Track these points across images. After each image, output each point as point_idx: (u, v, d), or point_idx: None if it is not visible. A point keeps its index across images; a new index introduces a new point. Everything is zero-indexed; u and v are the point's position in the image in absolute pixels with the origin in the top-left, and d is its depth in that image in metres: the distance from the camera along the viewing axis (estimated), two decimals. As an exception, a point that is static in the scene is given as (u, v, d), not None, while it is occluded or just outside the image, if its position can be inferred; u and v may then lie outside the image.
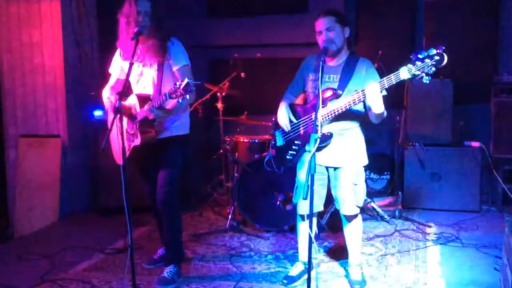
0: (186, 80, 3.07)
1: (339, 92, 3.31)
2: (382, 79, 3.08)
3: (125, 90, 3.29)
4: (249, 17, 6.39)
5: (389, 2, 6.08)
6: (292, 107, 3.61)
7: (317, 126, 2.96)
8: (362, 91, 3.13)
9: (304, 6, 6.17)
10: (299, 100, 3.74)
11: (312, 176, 2.84)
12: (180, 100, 3.13)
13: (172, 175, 3.62)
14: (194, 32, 6.42)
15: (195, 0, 6.56)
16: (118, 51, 3.73)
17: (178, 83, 3.09)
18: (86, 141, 5.64)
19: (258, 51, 5.76)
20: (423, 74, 2.92)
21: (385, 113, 3.25)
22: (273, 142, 3.73)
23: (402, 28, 6.05)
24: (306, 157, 3.45)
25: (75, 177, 5.57)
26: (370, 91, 3.10)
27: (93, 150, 5.59)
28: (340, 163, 3.47)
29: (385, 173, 6.07)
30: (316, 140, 2.88)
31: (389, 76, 3.03)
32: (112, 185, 5.14)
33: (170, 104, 3.39)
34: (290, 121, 3.55)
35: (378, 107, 3.14)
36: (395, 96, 4.87)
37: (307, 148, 3.38)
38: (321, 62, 3.08)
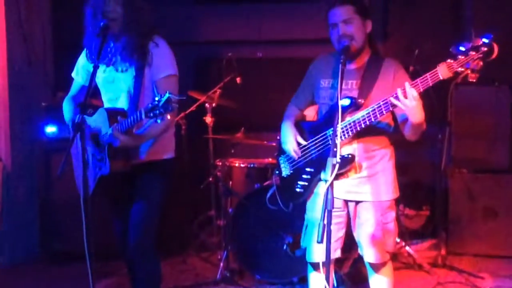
0: (167, 94, 3.07)
1: (360, 101, 3.34)
2: (415, 81, 3.11)
3: (87, 101, 3.30)
4: (248, 5, 6.41)
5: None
6: (299, 126, 3.65)
7: (335, 147, 2.95)
8: (394, 95, 3.15)
9: None
10: (310, 113, 3.80)
11: (330, 212, 2.85)
12: (158, 121, 3.12)
13: (148, 211, 3.65)
14: (175, 24, 6.42)
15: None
16: (84, 51, 3.77)
17: (157, 98, 3.09)
18: (35, 166, 5.66)
19: (258, 49, 5.85)
20: (468, 71, 2.94)
21: (424, 126, 3.28)
22: (277, 171, 3.75)
23: (444, 19, 6.10)
24: (321, 188, 3.46)
25: (20, 212, 5.56)
26: (405, 93, 3.10)
27: (44, 178, 5.58)
28: (364, 195, 3.48)
29: (424, 208, 6.09)
30: (334, 165, 2.87)
31: (424, 76, 3.05)
32: (69, 223, 5.11)
33: (144, 125, 3.45)
34: (298, 144, 3.59)
35: (417, 115, 3.16)
36: (436, 109, 4.88)
37: (322, 176, 3.40)
38: (340, 65, 3.11)
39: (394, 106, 3.17)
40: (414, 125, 3.23)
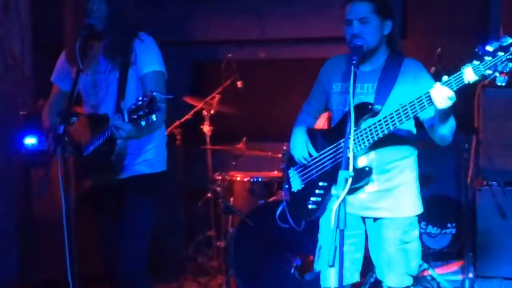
0: (151, 93, 3.08)
1: (377, 107, 3.35)
2: (426, 93, 3.11)
3: (70, 108, 3.33)
4: (249, 1, 6.45)
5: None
6: (311, 134, 3.65)
7: (348, 158, 2.91)
8: (425, 94, 3.11)
9: None
10: (321, 122, 3.84)
11: (342, 232, 2.83)
12: (143, 123, 3.12)
13: (138, 234, 3.68)
14: (168, 22, 6.42)
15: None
16: (64, 53, 3.79)
17: (140, 98, 3.11)
18: (12, 181, 5.61)
19: (261, 50, 5.87)
20: (497, 74, 2.92)
21: (454, 126, 3.30)
22: (286, 186, 3.74)
23: (469, 14, 6.11)
24: (334, 204, 3.44)
25: None
26: (439, 92, 3.05)
27: (23, 195, 5.55)
28: (384, 211, 3.49)
29: (449, 225, 6.05)
30: (346, 179, 2.85)
31: (448, 79, 3.03)
32: (50, 247, 5.00)
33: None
34: (310, 154, 3.60)
35: (450, 117, 3.18)
36: (461, 115, 4.87)
37: (333, 191, 3.35)
38: (352, 67, 3.10)
39: (422, 108, 3.14)
40: (449, 127, 3.25)
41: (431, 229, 6.03)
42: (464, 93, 3.06)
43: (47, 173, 3.18)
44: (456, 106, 3.13)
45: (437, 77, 3.34)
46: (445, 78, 3.02)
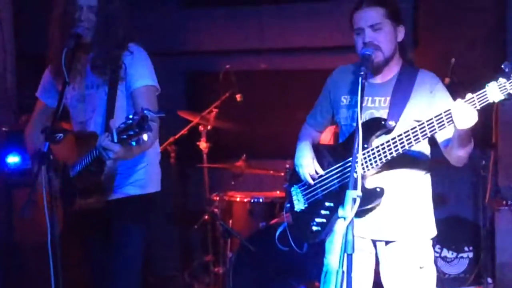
0: (142, 111, 3.03)
1: (391, 123, 3.33)
2: (446, 110, 3.05)
3: (56, 124, 3.34)
4: (247, 7, 6.46)
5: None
6: (318, 149, 3.65)
7: (356, 177, 2.86)
8: (446, 112, 3.06)
9: None
10: (327, 137, 3.84)
11: (350, 257, 2.78)
12: (133, 143, 3.09)
13: (128, 260, 3.69)
14: (161, 31, 6.47)
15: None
16: (50, 66, 3.81)
17: (131, 116, 3.06)
18: None
19: (262, 60, 5.92)
20: None
21: (472, 146, 3.26)
22: (288, 205, 3.74)
23: (487, 22, 6.08)
24: (340, 226, 3.26)
25: None
26: (461, 111, 2.99)
27: (5, 217, 5.48)
28: (396, 234, 3.48)
29: (466, 248, 6.00)
30: (354, 200, 2.81)
31: (471, 97, 2.97)
32: (35, 273, 5.05)
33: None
34: (317, 172, 3.58)
35: (469, 137, 3.14)
36: (477, 129, 4.94)
37: (340, 213, 3.18)
38: (360, 78, 3.06)
39: (441, 127, 3.10)
40: (467, 148, 3.22)
41: (446, 253, 5.99)
42: (484, 107, 2.99)
43: (31, 194, 3.18)
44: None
45: (451, 89, 3.44)
46: (468, 95, 2.97)
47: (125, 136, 3.07)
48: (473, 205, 6.01)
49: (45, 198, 3.32)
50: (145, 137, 3.06)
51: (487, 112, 5.14)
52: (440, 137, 3.30)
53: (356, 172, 2.86)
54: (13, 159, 5.37)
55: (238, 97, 5.57)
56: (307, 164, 3.58)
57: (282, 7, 6.40)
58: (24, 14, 5.80)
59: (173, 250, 6.16)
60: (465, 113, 2.96)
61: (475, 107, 2.95)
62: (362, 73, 3.08)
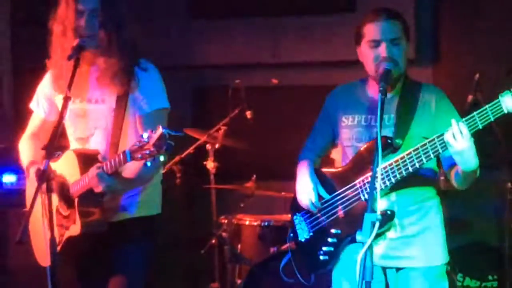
0: (160, 129, 3.03)
1: (397, 141, 3.34)
2: (471, 115, 3.06)
3: (55, 141, 3.30)
4: (259, 18, 6.49)
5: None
6: (320, 174, 3.64)
7: (375, 199, 2.91)
8: (439, 137, 3.14)
9: (350, 3, 6.27)
10: (339, 156, 3.74)
11: (368, 284, 2.81)
12: (149, 163, 3.08)
13: (131, 282, 3.65)
14: (167, 43, 6.53)
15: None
16: (47, 76, 3.78)
17: (146, 135, 3.07)
18: None
19: (274, 75, 5.80)
20: None
21: (478, 172, 3.25)
22: (291, 234, 3.75)
23: (511, 38, 6.07)
24: (353, 253, 3.43)
25: None
26: (453, 135, 3.06)
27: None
28: (408, 260, 3.47)
29: (490, 277, 5.85)
30: (373, 224, 2.84)
31: (483, 109, 3.01)
32: None
33: (131, 169, 3.41)
34: (320, 198, 3.58)
35: (469, 161, 3.13)
36: (501, 147, 4.88)
37: (359, 238, 3.21)
38: (379, 94, 3.09)
39: (444, 148, 3.16)
40: (465, 173, 3.24)
41: (469, 282, 5.83)
42: (505, 124, 3.11)
43: (27, 217, 3.14)
44: (494, 145, 3.32)
45: (475, 108, 3.31)
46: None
47: (140, 156, 3.09)
48: (498, 231, 5.93)
49: (44, 220, 3.32)
50: (161, 157, 3.07)
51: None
52: (443, 157, 3.36)
53: (375, 194, 2.90)
54: (8, 178, 5.50)
55: (248, 114, 5.56)
56: (308, 190, 3.57)
57: (295, 20, 6.47)
58: (20, 26, 5.84)
59: (178, 276, 6.16)
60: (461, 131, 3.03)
61: (489, 119, 3.00)
62: (381, 88, 3.12)
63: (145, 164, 3.12)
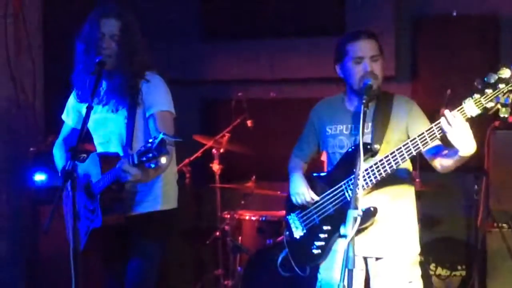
0: (160, 136, 3.15)
1: (376, 146, 3.48)
2: (436, 122, 3.20)
3: (79, 144, 3.47)
4: (259, 39, 6.54)
5: (462, 20, 6.19)
6: (310, 178, 3.83)
7: (356, 198, 3.02)
8: (436, 125, 3.19)
9: (339, 25, 6.21)
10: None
11: (351, 272, 2.91)
12: (152, 165, 3.20)
13: (145, 270, 3.83)
14: (180, 61, 6.56)
15: (183, 18, 6.73)
16: (74, 91, 3.97)
17: (150, 140, 3.19)
18: (21, 218, 5.70)
19: (272, 89, 6.03)
20: (498, 106, 3.02)
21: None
22: (287, 232, 3.88)
23: (480, 55, 6.17)
24: (340, 245, 3.62)
25: (3, 271, 5.57)
26: (455, 118, 3.11)
27: (31, 232, 5.62)
28: (386, 250, 3.63)
29: (459, 267, 6.13)
30: (355, 218, 2.94)
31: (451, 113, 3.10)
32: (59, 284, 4.70)
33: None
34: (312, 198, 3.76)
35: (468, 144, 3.17)
36: (471, 156, 4.95)
37: (342, 231, 3.51)
38: (362, 106, 3.26)
39: (432, 139, 3.22)
40: (462, 158, 3.27)
41: (441, 271, 6.07)
42: (474, 134, 3.15)
43: (54, 210, 3.27)
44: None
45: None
46: (446, 112, 3.15)
47: (144, 159, 3.19)
48: (466, 227, 6.13)
49: (70, 214, 3.45)
50: (163, 160, 3.20)
51: (480, 141, 5.31)
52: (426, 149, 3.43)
53: (357, 193, 3.03)
54: (40, 177, 5.52)
55: (249, 123, 5.76)
56: (303, 192, 3.74)
57: (291, 40, 6.48)
58: (52, 41, 5.87)
59: (186, 264, 6.21)
60: (459, 116, 3.10)
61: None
62: (364, 101, 3.29)
63: (149, 166, 3.21)
